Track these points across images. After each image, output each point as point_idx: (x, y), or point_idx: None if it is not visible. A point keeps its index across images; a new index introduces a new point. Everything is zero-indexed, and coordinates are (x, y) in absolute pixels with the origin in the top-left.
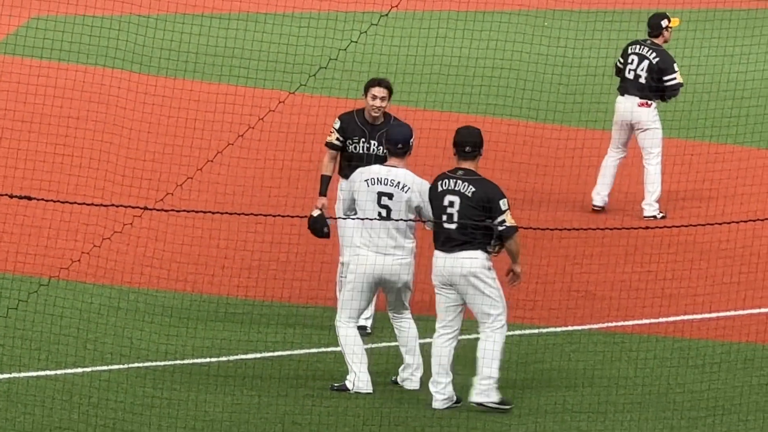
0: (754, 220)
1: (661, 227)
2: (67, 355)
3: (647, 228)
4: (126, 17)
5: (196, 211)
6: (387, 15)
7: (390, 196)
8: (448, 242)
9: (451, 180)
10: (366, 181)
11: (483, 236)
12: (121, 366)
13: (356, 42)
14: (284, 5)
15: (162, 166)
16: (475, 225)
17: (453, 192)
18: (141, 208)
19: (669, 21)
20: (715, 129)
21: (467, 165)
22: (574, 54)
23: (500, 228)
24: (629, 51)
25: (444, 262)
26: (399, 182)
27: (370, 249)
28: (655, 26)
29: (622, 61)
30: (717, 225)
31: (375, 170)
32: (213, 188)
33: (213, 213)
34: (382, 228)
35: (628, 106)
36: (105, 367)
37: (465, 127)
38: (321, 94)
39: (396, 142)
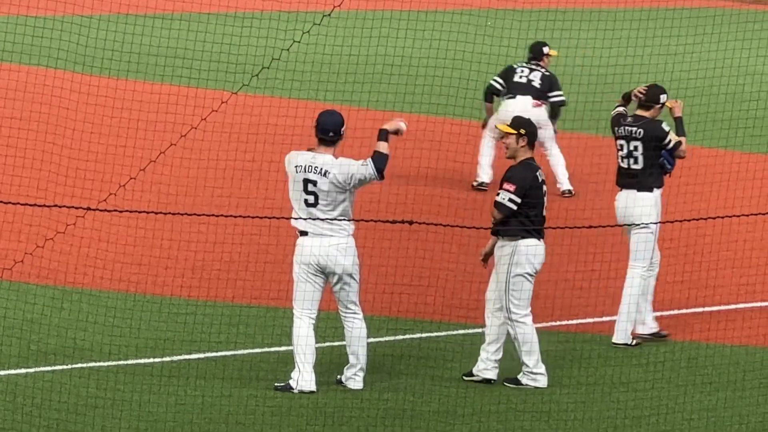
0: (697, 219)
1: (604, 226)
2: (11, 356)
3: (590, 227)
4: (68, 18)
5: (139, 212)
6: (330, 15)
7: (314, 183)
8: (543, 230)
9: (539, 171)
10: (295, 167)
11: None
12: (65, 366)
13: (299, 42)
14: (227, 5)
15: (105, 167)
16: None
17: (544, 182)
18: (84, 209)
19: (549, 48)
20: None
21: (533, 154)
22: (517, 53)
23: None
24: (515, 67)
25: (539, 245)
26: (320, 168)
27: (307, 237)
28: (537, 51)
29: (502, 81)
30: (661, 224)
31: (303, 157)
32: (156, 188)
33: (156, 213)
34: (311, 212)
35: (519, 107)
36: (48, 368)
37: (527, 118)
38: (264, 94)
39: (327, 131)
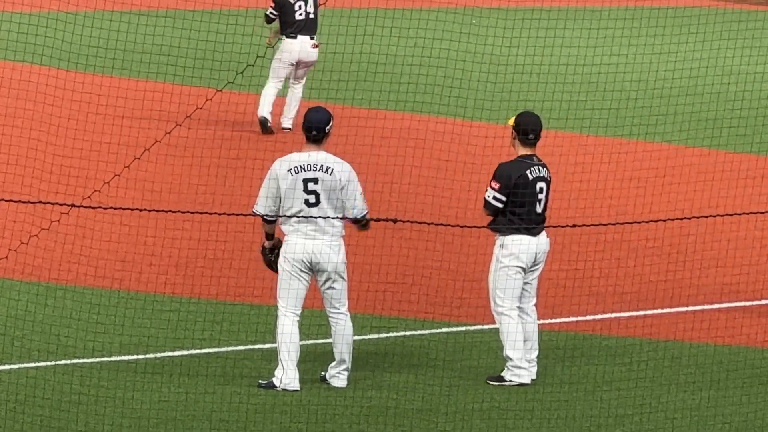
0: (681, 219)
1: (588, 225)
2: None
3: (574, 226)
4: (54, 14)
5: (124, 209)
6: None
7: (315, 180)
8: (537, 225)
9: (535, 167)
10: (289, 170)
11: None
12: (49, 363)
13: (283, 39)
14: (212, 2)
15: (89, 164)
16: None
17: (541, 179)
18: (68, 206)
19: None
20: (643, 127)
21: (533, 151)
22: (502, 51)
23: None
24: (292, 2)
25: (530, 242)
26: (321, 165)
27: (299, 236)
28: None
29: (275, 12)
30: (645, 223)
31: (295, 158)
32: (140, 185)
33: (140, 210)
34: (312, 213)
35: (297, 47)
36: (32, 364)
37: (529, 114)
38: (249, 91)
39: (310, 128)
